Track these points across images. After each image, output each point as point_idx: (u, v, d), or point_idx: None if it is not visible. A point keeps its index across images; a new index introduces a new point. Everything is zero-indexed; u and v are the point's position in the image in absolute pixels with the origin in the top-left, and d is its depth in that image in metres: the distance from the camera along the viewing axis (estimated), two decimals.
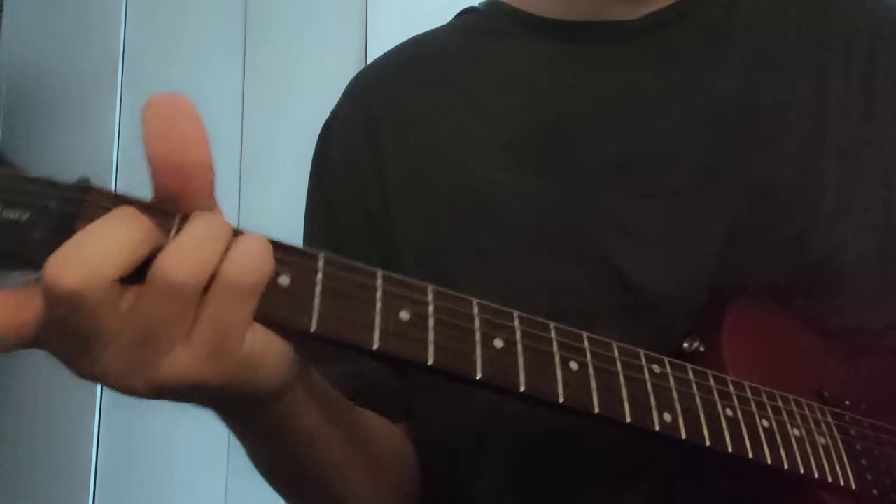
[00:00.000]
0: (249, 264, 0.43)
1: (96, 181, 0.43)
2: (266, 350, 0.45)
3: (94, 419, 2.22)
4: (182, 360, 0.43)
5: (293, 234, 0.80)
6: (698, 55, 0.74)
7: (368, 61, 0.86)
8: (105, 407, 2.23)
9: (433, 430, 0.72)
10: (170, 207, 0.44)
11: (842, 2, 0.78)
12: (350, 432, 0.63)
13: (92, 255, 0.40)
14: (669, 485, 0.63)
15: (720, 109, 0.71)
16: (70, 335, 0.42)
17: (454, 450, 0.71)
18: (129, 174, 2.23)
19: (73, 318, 0.41)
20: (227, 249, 0.43)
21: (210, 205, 0.44)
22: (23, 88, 2.42)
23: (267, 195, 2.13)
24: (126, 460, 2.22)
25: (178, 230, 0.43)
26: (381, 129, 0.76)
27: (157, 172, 0.43)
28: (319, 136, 0.81)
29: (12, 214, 0.41)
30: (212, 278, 0.42)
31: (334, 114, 0.81)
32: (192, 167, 0.43)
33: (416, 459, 0.73)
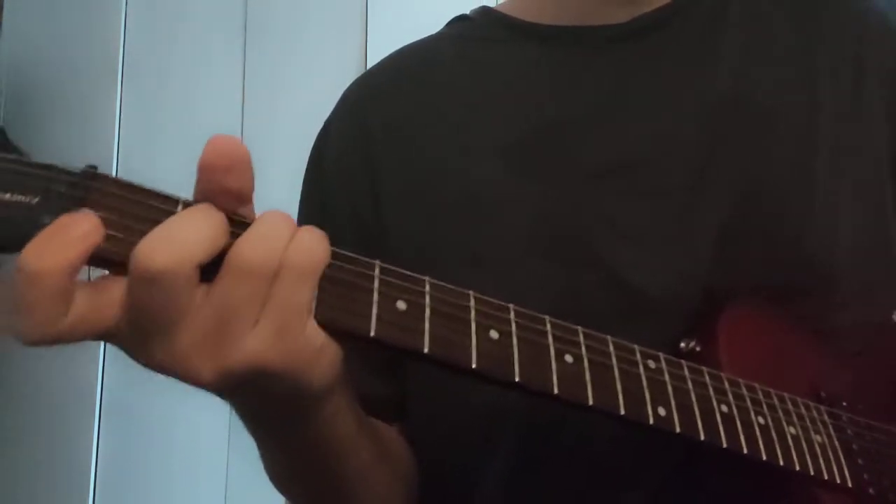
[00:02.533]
0: (309, 248, 0.47)
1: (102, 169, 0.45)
2: (324, 345, 0.48)
3: (94, 416, 2.23)
4: (251, 343, 0.45)
5: None
6: (689, 57, 0.74)
7: (368, 62, 0.87)
8: (105, 407, 2.23)
9: (434, 433, 0.72)
10: (170, 195, 0.46)
11: (830, 2, 0.79)
12: (374, 439, 0.64)
13: (182, 240, 0.44)
14: (669, 486, 0.64)
15: (712, 111, 0.72)
16: (150, 319, 0.44)
17: (456, 453, 0.71)
18: (129, 172, 2.22)
19: (158, 298, 0.43)
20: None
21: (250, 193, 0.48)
22: (23, 86, 2.42)
23: (266, 195, 2.12)
24: (126, 460, 2.22)
25: (237, 236, 0.46)
26: (374, 139, 0.76)
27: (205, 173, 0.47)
28: (313, 146, 0.81)
29: (23, 198, 0.42)
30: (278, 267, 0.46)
31: (327, 125, 0.81)
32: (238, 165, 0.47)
33: (414, 459, 0.73)
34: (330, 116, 0.82)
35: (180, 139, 2.24)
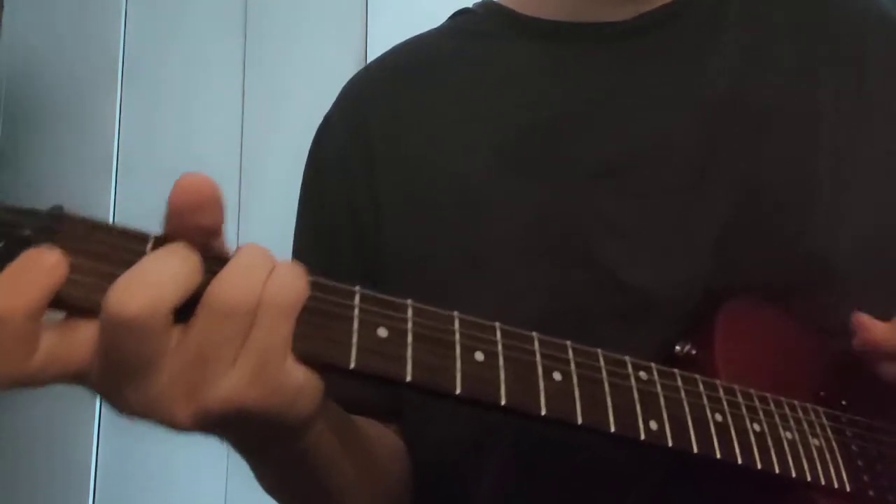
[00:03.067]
0: (286, 285, 0.45)
1: (88, 192, 0.43)
2: (305, 381, 0.47)
3: (94, 419, 2.23)
4: (229, 384, 0.44)
5: (291, 235, 0.80)
6: (690, 55, 0.74)
7: (368, 61, 0.86)
8: (105, 409, 2.23)
9: (429, 436, 0.71)
10: (139, 232, 0.45)
11: (831, 1, 0.79)
12: (359, 454, 0.64)
13: (155, 283, 0.42)
14: (665, 489, 0.63)
15: (712, 110, 0.71)
16: (122, 363, 0.43)
17: (451, 456, 0.71)
18: (128, 174, 2.23)
19: (131, 344, 0.42)
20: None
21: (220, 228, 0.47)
22: (23, 88, 2.42)
23: (266, 195, 2.13)
24: (126, 460, 2.22)
25: (211, 273, 0.44)
26: (372, 135, 0.76)
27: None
28: (312, 142, 0.81)
29: None
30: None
31: (327, 119, 0.81)
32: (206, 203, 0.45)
33: (409, 461, 0.73)
34: (330, 111, 0.82)
35: (180, 140, 2.24)
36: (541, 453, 0.66)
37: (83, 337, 0.43)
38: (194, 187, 0.45)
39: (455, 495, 0.71)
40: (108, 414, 2.23)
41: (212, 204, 0.45)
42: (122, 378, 0.43)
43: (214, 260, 0.45)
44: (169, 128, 2.31)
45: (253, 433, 0.50)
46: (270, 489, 0.65)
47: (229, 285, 0.44)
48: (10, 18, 2.38)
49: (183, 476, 2.17)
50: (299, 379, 0.46)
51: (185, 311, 0.43)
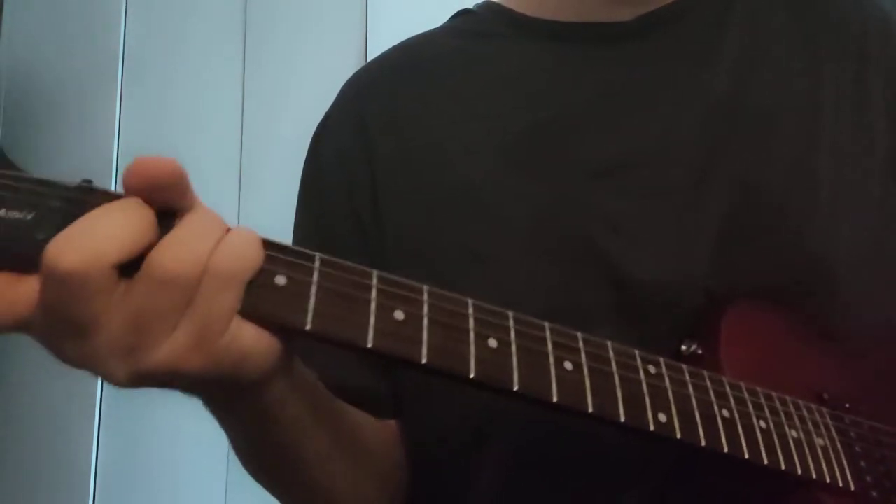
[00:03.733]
0: (234, 253, 0.44)
1: (97, 183, 0.44)
2: (254, 345, 0.46)
3: (94, 419, 2.22)
4: (166, 350, 0.44)
5: (291, 234, 0.80)
6: (692, 56, 0.74)
7: (368, 61, 0.86)
8: (105, 407, 2.23)
9: (429, 430, 0.72)
10: (167, 208, 0.45)
11: (833, 2, 0.79)
12: (334, 425, 0.63)
13: (94, 238, 0.42)
14: (668, 485, 0.63)
15: (714, 110, 0.72)
16: (62, 318, 0.42)
17: (451, 450, 0.71)
18: None
19: (68, 300, 0.42)
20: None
21: (188, 203, 0.46)
22: (23, 88, 2.42)
23: (267, 195, 2.13)
24: (126, 460, 2.22)
25: (169, 229, 0.44)
26: (372, 133, 0.76)
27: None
28: (312, 139, 0.81)
29: (17, 214, 0.42)
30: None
31: (327, 117, 0.81)
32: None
33: (404, 457, 0.73)
34: (329, 109, 0.82)
35: (180, 140, 2.24)
36: (540, 446, 0.66)
37: (28, 289, 0.42)
38: (151, 172, 0.44)
39: (454, 487, 0.71)
40: (109, 413, 2.24)
41: (174, 182, 0.44)
42: (61, 333, 0.43)
43: (173, 219, 0.44)
44: (169, 128, 2.31)
45: (201, 388, 0.49)
46: (247, 465, 0.64)
47: (171, 253, 0.43)
48: (10, 18, 2.38)
49: (183, 476, 2.16)
50: (247, 343, 0.45)
51: (136, 269, 0.43)
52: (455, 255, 0.70)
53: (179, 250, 0.43)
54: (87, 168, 2.34)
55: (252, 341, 0.46)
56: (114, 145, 2.31)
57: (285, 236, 0.78)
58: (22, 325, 0.43)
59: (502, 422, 0.67)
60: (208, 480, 2.08)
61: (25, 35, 2.43)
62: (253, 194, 2.16)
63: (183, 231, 0.44)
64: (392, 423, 0.73)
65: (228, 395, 0.50)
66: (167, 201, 0.45)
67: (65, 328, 0.43)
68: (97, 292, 0.42)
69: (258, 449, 0.62)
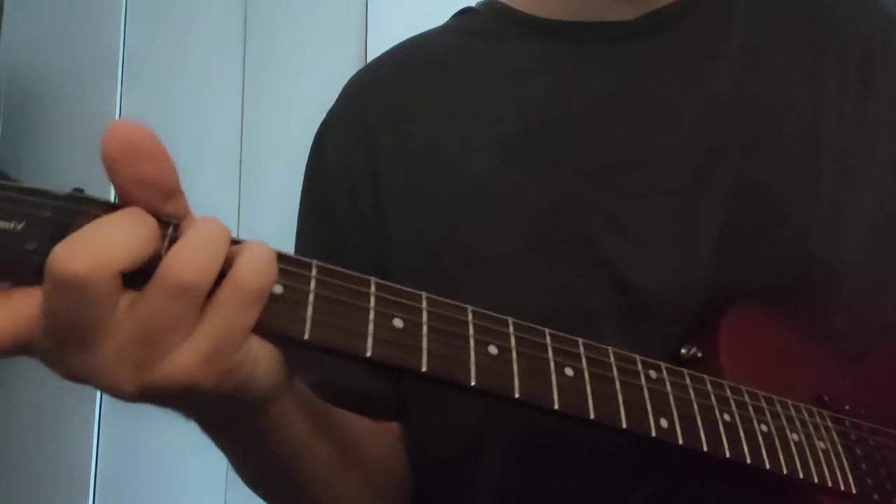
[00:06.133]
0: (259, 268, 0.44)
1: (90, 191, 0.43)
2: (259, 356, 0.45)
3: (94, 420, 2.22)
4: (179, 361, 0.43)
5: (292, 235, 0.80)
6: (694, 56, 0.74)
7: (368, 61, 0.86)
8: (105, 408, 2.23)
9: (430, 432, 0.71)
10: (164, 217, 0.44)
11: (836, 2, 0.78)
12: (336, 440, 0.62)
13: (100, 245, 0.41)
14: (670, 488, 0.63)
15: (715, 110, 0.71)
16: (68, 326, 0.41)
17: (453, 452, 0.71)
18: None
19: (75, 306, 0.41)
20: (228, 253, 0.44)
21: (182, 206, 0.45)
22: (23, 88, 2.42)
23: (266, 195, 2.13)
24: (126, 461, 2.22)
25: (171, 239, 0.43)
26: (374, 133, 0.76)
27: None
28: (314, 141, 0.81)
29: (7, 224, 0.41)
30: (217, 282, 0.43)
31: (328, 118, 0.81)
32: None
33: (406, 460, 0.73)
34: (331, 110, 0.81)
35: (180, 139, 2.23)
36: (541, 451, 0.66)
37: (28, 305, 0.41)
38: (125, 135, 0.42)
39: (456, 490, 0.71)
40: (109, 412, 2.24)
41: (150, 152, 0.43)
42: (65, 345, 0.42)
43: (176, 228, 0.44)
44: (169, 127, 2.31)
45: (206, 407, 0.49)
46: (249, 482, 0.64)
47: (186, 261, 0.42)
48: (10, 18, 2.38)
49: (183, 476, 2.16)
50: (258, 356, 0.45)
51: (141, 279, 0.42)
52: (457, 255, 0.70)
53: (193, 258, 0.42)
54: (86, 168, 2.34)
55: (258, 353, 0.45)
56: None
57: (286, 237, 0.78)
58: (22, 342, 0.42)
59: (504, 423, 0.67)
60: (208, 481, 2.08)
61: (25, 35, 2.43)
62: (253, 195, 2.16)
63: (193, 238, 0.43)
64: (394, 426, 0.73)
65: (231, 414, 0.50)
66: (152, 176, 0.43)
67: (70, 338, 0.42)
68: (104, 298, 0.41)
69: (257, 466, 0.61)
